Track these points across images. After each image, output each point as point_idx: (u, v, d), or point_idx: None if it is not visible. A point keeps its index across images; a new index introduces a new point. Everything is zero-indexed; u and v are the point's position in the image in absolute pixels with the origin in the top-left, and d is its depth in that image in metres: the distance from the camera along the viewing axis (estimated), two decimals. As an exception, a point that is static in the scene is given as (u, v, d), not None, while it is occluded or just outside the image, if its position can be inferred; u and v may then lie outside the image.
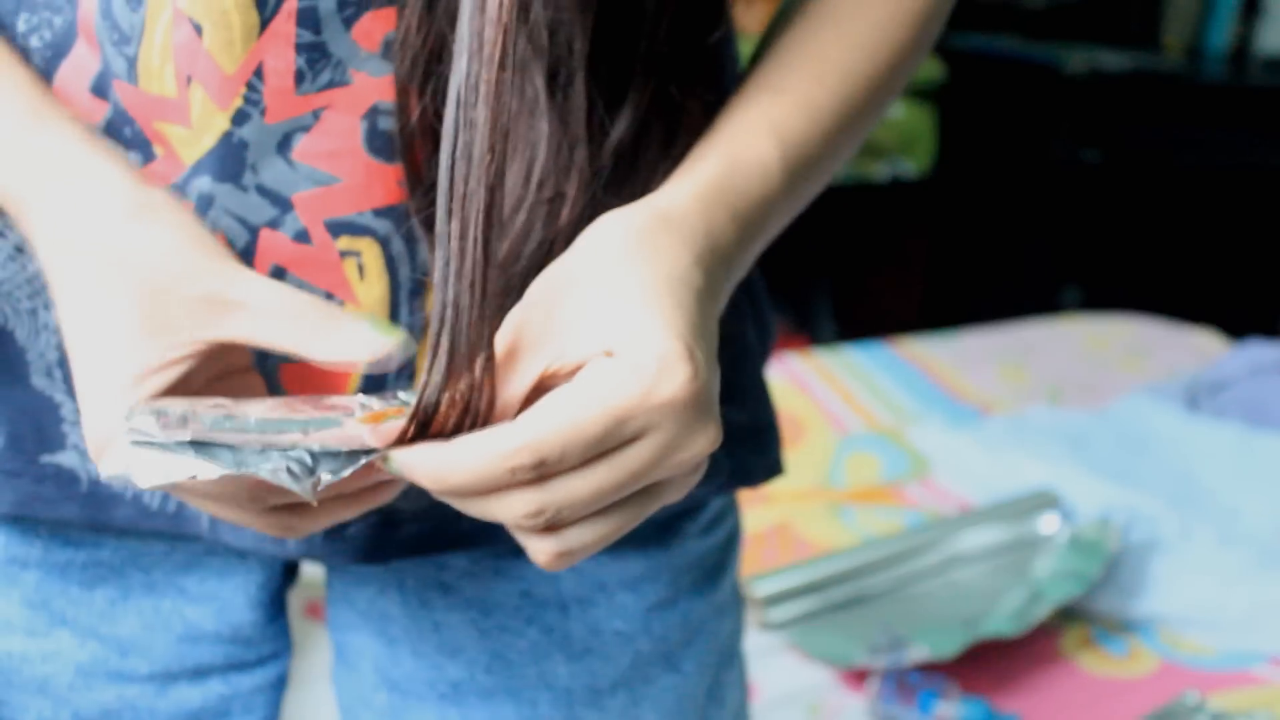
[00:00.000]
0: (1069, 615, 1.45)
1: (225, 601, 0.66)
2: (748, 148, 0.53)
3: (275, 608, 0.69)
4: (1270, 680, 1.38)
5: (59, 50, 0.54)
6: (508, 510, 0.45)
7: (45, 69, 0.54)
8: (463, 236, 0.44)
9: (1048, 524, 1.61)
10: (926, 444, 1.86)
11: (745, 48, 0.63)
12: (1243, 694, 1.35)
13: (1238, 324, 2.54)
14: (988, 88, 2.90)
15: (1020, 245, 3.09)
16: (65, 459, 0.59)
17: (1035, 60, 2.92)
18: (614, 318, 0.45)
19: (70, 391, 0.58)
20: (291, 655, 0.71)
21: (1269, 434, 1.83)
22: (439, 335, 0.44)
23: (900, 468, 1.82)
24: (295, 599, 0.72)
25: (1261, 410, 1.91)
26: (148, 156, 0.54)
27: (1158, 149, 2.95)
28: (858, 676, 1.34)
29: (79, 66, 0.54)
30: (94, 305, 0.48)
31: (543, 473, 0.44)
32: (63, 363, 0.58)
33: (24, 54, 0.54)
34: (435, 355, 0.44)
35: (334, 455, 0.45)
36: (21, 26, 0.54)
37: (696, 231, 0.49)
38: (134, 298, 0.47)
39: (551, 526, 0.45)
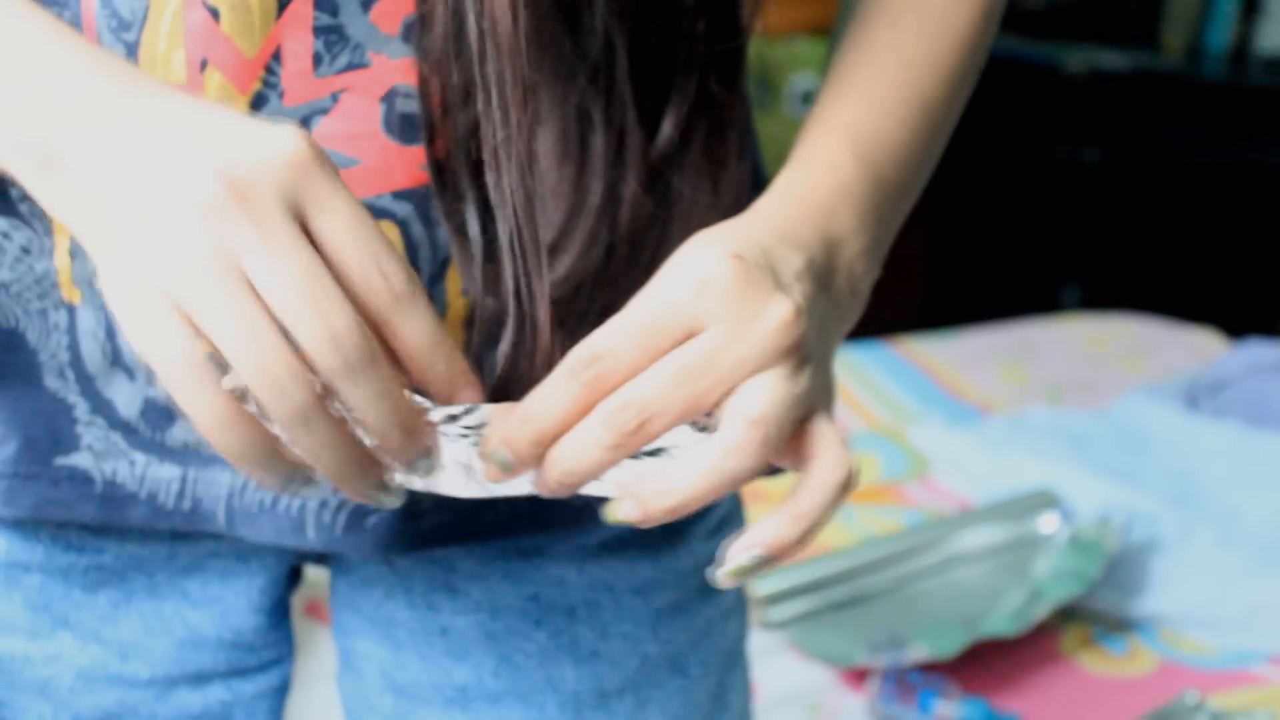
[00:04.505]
0: (1069, 615, 1.46)
1: (228, 605, 0.66)
2: (815, 147, 0.55)
3: (278, 612, 0.69)
4: (1270, 680, 1.38)
5: None
6: (599, 431, 0.45)
7: None
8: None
9: (1048, 524, 1.62)
10: (926, 444, 1.86)
11: (754, 48, 0.64)
12: (1243, 694, 1.35)
13: (1238, 324, 2.53)
14: (987, 87, 2.91)
15: (1020, 245, 3.09)
16: (79, 460, 0.59)
17: (1035, 60, 2.92)
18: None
19: (83, 391, 0.58)
20: (294, 660, 0.71)
21: (1269, 434, 1.83)
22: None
23: (900, 467, 1.82)
24: (296, 598, 0.72)
25: (1261, 410, 1.91)
26: None
27: (1158, 149, 2.95)
28: (858, 676, 1.34)
29: None
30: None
31: (601, 373, 0.45)
32: (74, 363, 0.58)
33: None
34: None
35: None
36: None
37: (748, 225, 0.50)
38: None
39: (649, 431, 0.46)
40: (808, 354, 0.48)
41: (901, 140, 0.57)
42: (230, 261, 0.42)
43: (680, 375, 0.45)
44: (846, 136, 0.55)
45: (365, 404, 0.44)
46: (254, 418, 0.44)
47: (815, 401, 0.49)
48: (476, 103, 0.50)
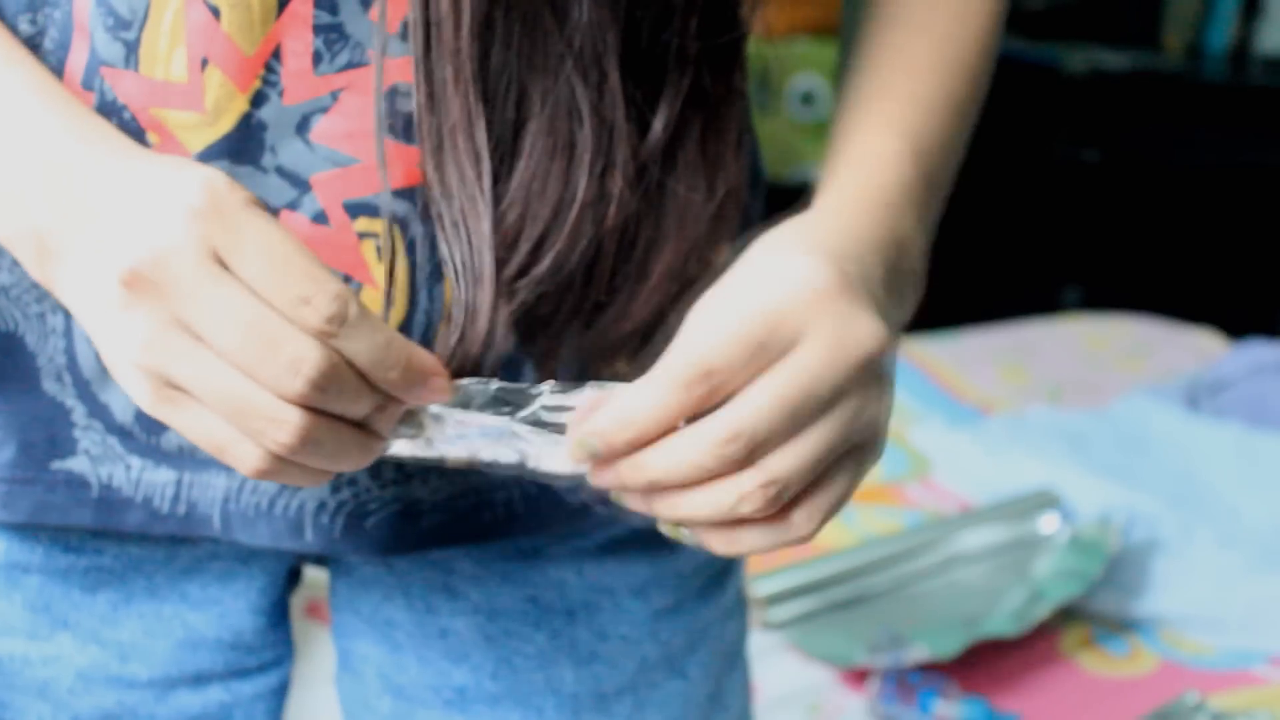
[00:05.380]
0: (1069, 615, 1.45)
1: (227, 607, 0.66)
2: (870, 147, 0.55)
3: (277, 614, 0.69)
4: (1270, 680, 1.38)
5: (66, 46, 0.53)
6: (705, 451, 0.45)
7: (58, 68, 0.54)
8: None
9: (1048, 524, 1.61)
10: (926, 444, 1.86)
11: (754, 48, 0.64)
12: (1243, 694, 1.35)
13: (1238, 324, 2.53)
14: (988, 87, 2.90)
15: (1020, 245, 3.09)
16: (76, 465, 0.59)
17: (1035, 60, 2.92)
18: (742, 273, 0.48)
19: (80, 395, 0.58)
20: (293, 661, 0.71)
21: (1269, 434, 1.83)
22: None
23: (900, 467, 1.81)
24: (296, 598, 0.72)
25: (1261, 410, 1.91)
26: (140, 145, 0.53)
27: (1158, 149, 2.95)
28: (858, 676, 1.34)
29: (75, 60, 0.53)
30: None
31: (715, 388, 0.45)
32: (71, 367, 0.58)
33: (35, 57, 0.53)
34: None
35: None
36: (30, 29, 0.54)
37: (834, 229, 0.50)
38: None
39: (751, 458, 0.45)
40: (885, 380, 0.48)
41: (943, 140, 0.58)
42: (174, 327, 0.44)
43: (785, 407, 0.45)
44: (901, 135, 0.56)
45: (349, 409, 0.46)
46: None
47: (876, 430, 0.49)
48: (426, 101, 0.51)
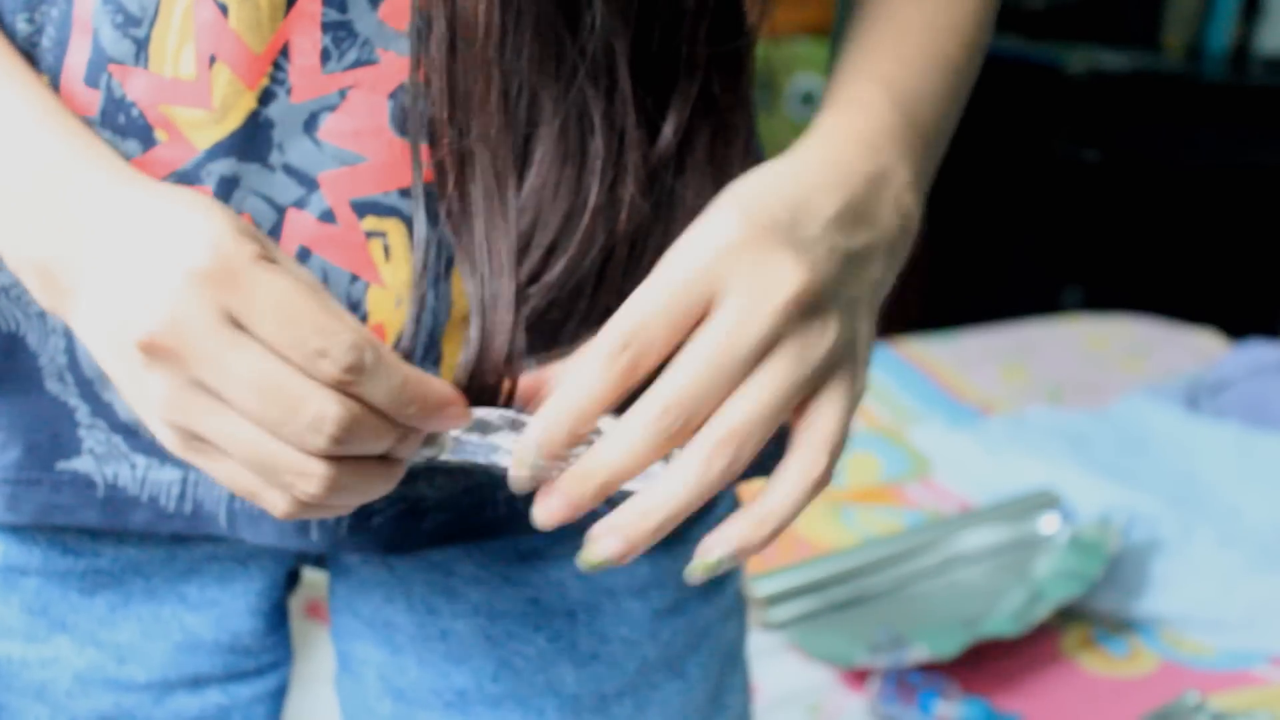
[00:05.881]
0: (1069, 615, 1.46)
1: (226, 609, 0.66)
2: (850, 94, 0.56)
3: (276, 616, 0.69)
4: (1270, 680, 1.38)
5: (63, 44, 0.53)
6: (643, 432, 0.45)
7: (55, 67, 0.53)
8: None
9: (1048, 524, 1.62)
10: (926, 444, 1.87)
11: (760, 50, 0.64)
12: (1243, 694, 1.35)
13: (1238, 324, 2.54)
14: (988, 87, 2.90)
15: (1020, 245, 3.09)
16: (81, 464, 0.59)
17: (1035, 60, 2.92)
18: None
19: (83, 394, 0.58)
20: (292, 664, 0.71)
21: (1269, 434, 1.83)
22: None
23: (900, 468, 1.82)
24: (295, 598, 0.72)
25: (1261, 410, 1.91)
26: (147, 143, 0.53)
27: (1158, 149, 2.95)
28: (858, 676, 1.34)
29: (75, 58, 0.53)
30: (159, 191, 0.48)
31: (636, 356, 0.46)
32: (73, 366, 0.58)
33: (32, 56, 0.53)
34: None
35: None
36: (27, 28, 0.53)
37: (776, 174, 0.51)
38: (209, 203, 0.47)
39: (692, 423, 0.46)
40: (828, 316, 0.48)
41: (931, 95, 0.58)
42: (195, 388, 0.45)
43: (712, 366, 0.46)
44: (882, 85, 0.56)
45: (371, 449, 0.47)
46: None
47: (834, 363, 0.49)
48: (448, 112, 0.51)
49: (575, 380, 0.46)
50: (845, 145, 0.53)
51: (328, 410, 0.44)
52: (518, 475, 0.48)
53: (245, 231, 0.46)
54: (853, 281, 0.50)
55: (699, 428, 0.46)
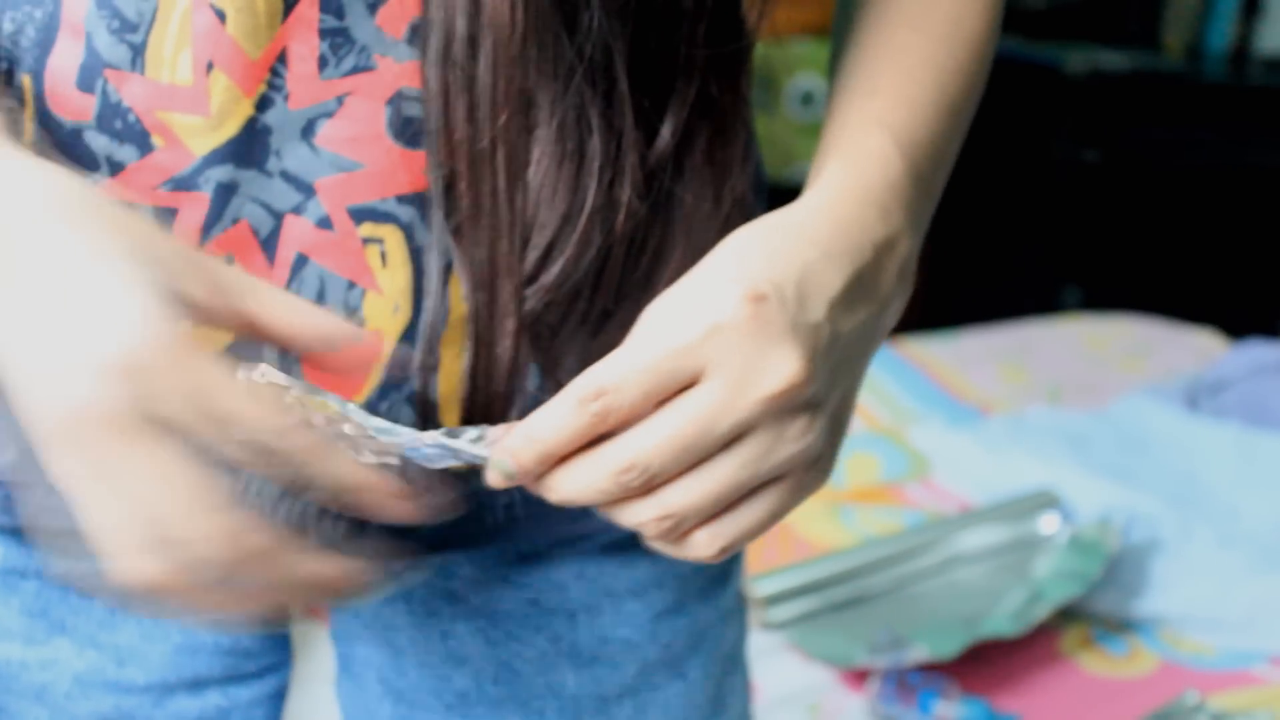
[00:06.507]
0: (1069, 615, 1.45)
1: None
2: (858, 144, 0.55)
3: (276, 618, 0.69)
4: (1270, 680, 1.38)
5: (45, 46, 0.53)
6: (604, 477, 0.46)
7: (36, 68, 0.53)
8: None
9: (1048, 524, 1.61)
10: (926, 444, 1.86)
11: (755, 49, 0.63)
12: (1243, 694, 1.35)
13: (1238, 324, 2.54)
14: (988, 88, 2.91)
15: (1020, 245, 3.09)
16: None
17: (1035, 60, 2.92)
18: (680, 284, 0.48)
19: None
20: (292, 666, 0.71)
21: (1269, 434, 1.83)
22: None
23: (900, 468, 1.82)
24: (296, 600, 0.72)
25: (1261, 410, 1.91)
26: (144, 149, 0.52)
27: (1158, 149, 2.95)
28: (858, 676, 1.34)
29: (63, 61, 0.52)
30: (87, 235, 0.43)
31: (606, 408, 0.45)
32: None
33: (13, 55, 0.53)
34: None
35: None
36: (8, 26, 0.53)
37: (807, 240, 0.50)
38: (141, 239, 0.43)
39: (651, 487, 0.46)
40: (813, 417, 0.48)
41: (934, 140, 0.57)
42: (105, 481, 0.43)
43: (679, 442, 0.45)
44: (889, 133, 0.55)
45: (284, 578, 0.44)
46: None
47: (802, 464, 0.48)
48: (465, 112, 0.51)
49: (543, 413, 0.46)
50: (857, 207, 0.52)
51: (222, 537, 0.42)
52: (491, 478, 0.47)
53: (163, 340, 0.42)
54: (845, 370, 0.50)
55: (657, 489, 0.46)
